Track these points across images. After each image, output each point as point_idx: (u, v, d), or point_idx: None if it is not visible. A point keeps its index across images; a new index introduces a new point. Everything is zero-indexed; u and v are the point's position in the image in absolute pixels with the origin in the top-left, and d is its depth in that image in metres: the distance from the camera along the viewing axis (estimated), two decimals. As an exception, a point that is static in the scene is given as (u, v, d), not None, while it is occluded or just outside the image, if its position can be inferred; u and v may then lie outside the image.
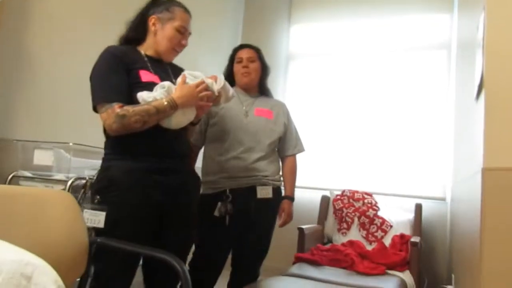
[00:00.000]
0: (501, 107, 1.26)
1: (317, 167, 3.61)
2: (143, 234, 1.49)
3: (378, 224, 2.98)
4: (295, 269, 2.48)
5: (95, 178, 1.56)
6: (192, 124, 1.67)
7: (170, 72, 1.69)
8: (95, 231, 1.49)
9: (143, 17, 1.65)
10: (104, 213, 1.44)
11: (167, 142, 1.56)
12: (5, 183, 1.88)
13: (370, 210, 3.06)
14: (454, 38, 3.34)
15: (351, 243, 2.88)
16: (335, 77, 3.74)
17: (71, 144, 1.94)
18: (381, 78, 3.57)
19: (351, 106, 3.63)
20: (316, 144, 3.60)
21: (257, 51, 2.15)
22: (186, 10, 1.67)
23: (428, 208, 3.17)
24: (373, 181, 3.41)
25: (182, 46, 1.66)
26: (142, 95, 1.48)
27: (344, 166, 3.55)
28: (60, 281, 0.83)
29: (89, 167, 2.02)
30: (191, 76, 1.59)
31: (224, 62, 2.20)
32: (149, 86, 1.51)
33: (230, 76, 2.12)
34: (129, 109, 1.43)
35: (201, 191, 1.87)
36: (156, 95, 1.48)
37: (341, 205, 3.18)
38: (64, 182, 1.82)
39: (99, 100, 1.47)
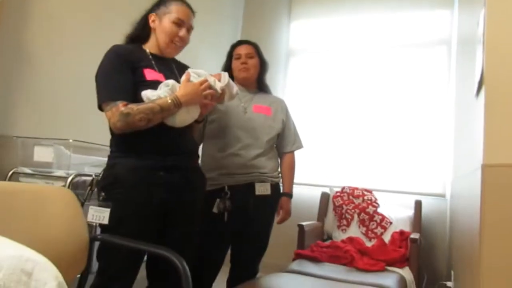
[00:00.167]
0: (501, 103, 1.25)
1: (317, 163, 3.61)
2: (147, 232, 1.50)
3: (378, 221, 2.99)
4: (295, 265, 2.49)
5: (101, 175, 1.57)
6: (197, 122, 1.67)
7: (175, 69, 1.69)
8: (100, 228, 1.51)
9: (146, 16, 1.66)
10: (108, 210, 1.45)
11: (171, 140, 1.57)
12: (5, 180, 1.88)
13: (370, 206, 3.06)
14: (455, 34, 3.33)
15: (350, 239, 2.88)
16: (335, 73, 3.73)
17: (71, 140, 1.94)
18: (381, 74, 3.57)
19: (351, 103, 3.63)
20: (316, 140, 3.61)
21: (255, 47, 2.14)
22: (183, 3, 1.65)
23: (427, 204, 3.17)
24: (373, 177, 3.41)
25: (181, 39, 1.63)
26: (147, 94, 1.49)
27: (344, 163, 3.55)
28: (60, 277, 0.83)
29: (89, 163, 2.02)
30: (195, 74, 1.59)
31: (224, 59, 2.19)
32: (154, 85, 1.52)
33: (228, 73, 2.11)
34: (133, 107, 1.44)
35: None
36: (160, 93, 1.49)
37: (341, 201, 3.18)
38: (64, 178, 1.83)
39: (104, 99, 1.48)
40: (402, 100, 3.47)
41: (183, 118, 1.54)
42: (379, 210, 3.06)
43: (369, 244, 2.86)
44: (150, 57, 1.62)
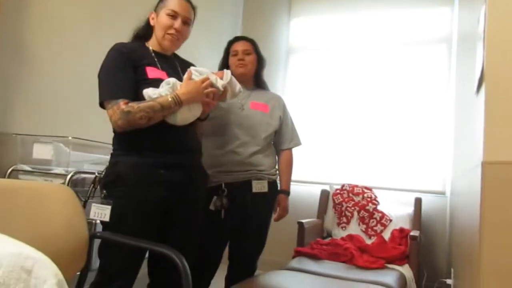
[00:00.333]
0: (502, 100, 1.25)
1: (316, 161, 3.61)
2: (148, 230, 1.50)
3: (378, 218, 2.99)
4: (295, 263, 2.49)
5: (103, 172, 1.57)
6: (200, 120, 1.67)
7: (179, 67, 1.69)
8: (102, 225, 1.51)
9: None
10: (109, 207, 1.46)
11: (173, 138, 1.57)
12: (4, 177, 1.88)
13: (370, 204, 3.06)
14: (455, 31, 3.33)
15: (350, 237, 2.89)
16: (335, 70, 3.73)
17: (70, 138, 1.94)
18: (381, 71, 3.56)
19: (351, 100, 3.62)
20: (316, 138, 3.61)
21: (252, 43, 2.12)
22: None
23: (427, 202, 3.17)
24: (372, 175, 3.41)
25: (177, 31, 1.60)
26: (148, 92, 1.49)
27: (344, 160, 3.55)
28: (60, 275, 0.83)
29: (89, 161, 2.02)
30: (197, 72, 1.59)
31: (224, 56, 2.18)
32: (156, 83, 1.52)
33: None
34: (134, 105, 1.44)
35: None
36: (161, 91, 1.49)
37: (341, 199, 3.18)
38: (63, 176, 1.82)
39: (105, 97, 1.49)
40: (402, 98, 3.46)
41: (185, 116, 1.54)
42: (379, 207, 3.06)
43: (369, 241, 2.86)
44: (153, 55, 1.62)
